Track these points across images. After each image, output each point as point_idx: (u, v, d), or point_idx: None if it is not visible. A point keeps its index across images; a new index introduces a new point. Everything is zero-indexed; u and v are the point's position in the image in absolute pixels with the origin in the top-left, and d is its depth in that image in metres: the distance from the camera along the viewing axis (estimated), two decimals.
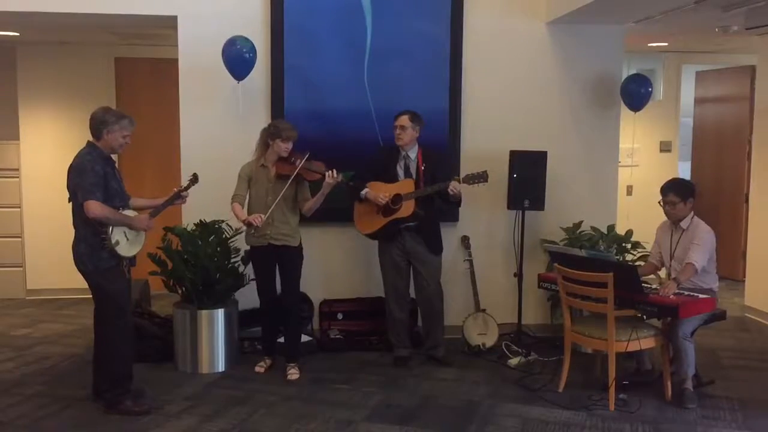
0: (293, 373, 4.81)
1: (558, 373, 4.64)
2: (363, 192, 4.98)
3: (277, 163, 4.77)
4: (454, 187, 4.80)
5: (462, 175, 4.99)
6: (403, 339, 5.19)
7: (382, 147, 5.16)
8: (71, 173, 4.05)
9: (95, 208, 3.93)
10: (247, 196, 4.82)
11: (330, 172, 4.72)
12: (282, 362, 4.93)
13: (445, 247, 5.20)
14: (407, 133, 4.94)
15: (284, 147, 4.73)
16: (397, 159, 5.02)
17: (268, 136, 4.76)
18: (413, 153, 5.02)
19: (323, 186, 4.75)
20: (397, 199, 4.91)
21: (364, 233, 5.11)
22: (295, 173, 4.71)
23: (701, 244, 4.50)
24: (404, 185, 4.95)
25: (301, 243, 4.89)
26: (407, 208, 4.90)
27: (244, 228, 4.86)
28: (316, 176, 4.80)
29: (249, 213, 4.76)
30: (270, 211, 4.68)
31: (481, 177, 4.88)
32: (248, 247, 5.06)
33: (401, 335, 5.18)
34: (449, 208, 5.22)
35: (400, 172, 5.01)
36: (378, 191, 4.96)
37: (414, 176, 4.98)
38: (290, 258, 4.84)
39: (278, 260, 4.85)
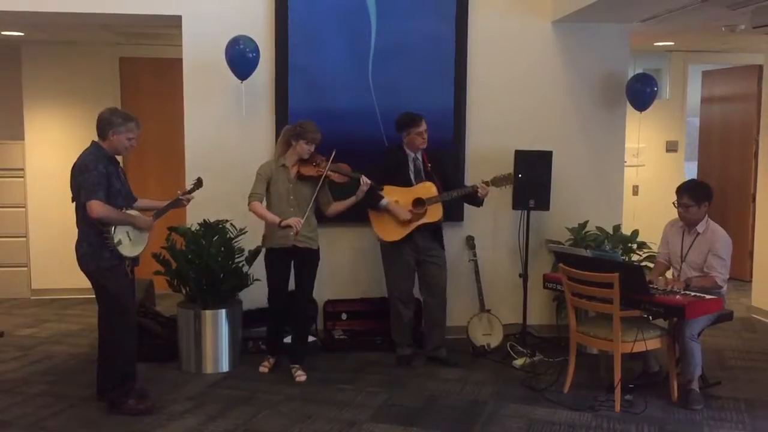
0: (300, 375, 4.79)
1: (563, 373, 4.62)
2: (384, 203, 4.91)
3: (300, 164, 4.72)
4: (482, 189, 4.84)
5: (489, 177, 4.99)
6: (408, 338, 5.18)
7: (389, 149, 5.13)
8: (74, 173, 4.05)
9: (97, 207, 3.93)
10: (265, 196, 4.77)
11: (363, 178, 4.72)
12: (286, 362, 4.92)
13: (450, 247, 5.19)
14: (427, 137, 4.97)
15: (307, 149, 4.69)
16: (407, 161, 5.01)
17: (292, 136, 4.72)
18: (419, 154, 5.02)
19: (357, 194, 4.75)
20: (418, 203, 4.90)
21: (391, 240, 5.00)
22: (324, 177, 4.68)
23: (725, 257, 4.47)
24: (425, 189, 4.94)
25: (319, 245, 4.87)
26: (435, 213, 4.91)
27: (246, 229, 4.85)
28: (344, 179, 4.76)
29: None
30: (306, 213, 4.65)
31: (507, 180, 4.91)
32: (252, 248, 5.06)
33: (407, 335, 5.17)
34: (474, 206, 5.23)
35: (411, 174, 5.00)
36: (395, 196, 4.93)
37: (423, 177, 4.98)
38: (310, 260, 4.82)
39: (297, 262, 4.82)
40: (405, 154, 5.01)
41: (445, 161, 5.15)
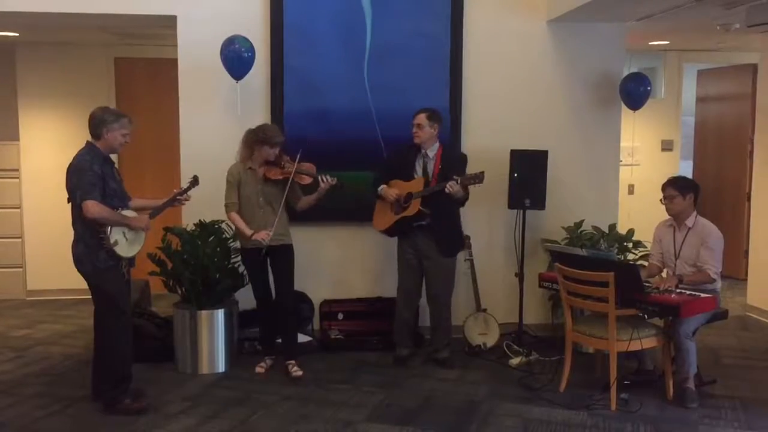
0: (297, 371, 4.80)
1: (559, 372, 4.63)
2: (379, 189, 5.01)
3: (266, 166, 4.74)
4: (450, 186, 4.75)
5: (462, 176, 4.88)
6: (405, 339, 5.18)
7: (403, 145, 5.12)
8: (70, 173, 4.04)
9: (93, 208, 3.92)
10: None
11: (323, 178, 4.73)
12: (281, 362, 4.92)
13: None
14: (424, 132, 4.92)
15: (272, 152, 4.72)
16: (416, 157, 5.01)
17: (255, 143, 4.73)
18: (432, 152, 4.99)
19: (319, 190, 4.77)
20: (409, 197, 4.91)
21: (377, 230, 5.15)
22: (290, 180, 4.69)
23: (716, 249, 4.49)
24: (416, 184, 4.95)
25: (291, 240, 4.89)
26: (413, 208, 4.89)
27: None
28: (309, 180, 4.78)
29: (240, 215, 4.75)
30: (276, 223, 4.67)
31: (476, 178, 4.76)
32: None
33: (404, 335, 5.17)
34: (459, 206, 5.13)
35: (419, 170, 5.00)
36: (395, 189, 4.98)
37: (429, 175, 4.96)
38: (284, 256, 4.84)
39: (272, 259, 4.84)
40: (417, 151, 5.01)
41: (455, 159, 5.05)
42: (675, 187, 4.58)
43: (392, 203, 4.97)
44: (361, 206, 5.22)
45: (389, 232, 5.09)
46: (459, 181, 4.76)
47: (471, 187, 4.91)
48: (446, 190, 4.75)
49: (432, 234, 4.97)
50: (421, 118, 4.92)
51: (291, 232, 4.91)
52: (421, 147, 4.97)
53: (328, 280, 5.62)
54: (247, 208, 4.77)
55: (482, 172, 4.77)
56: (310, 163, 4.82)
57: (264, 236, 4.64)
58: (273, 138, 4.70)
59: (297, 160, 4.72)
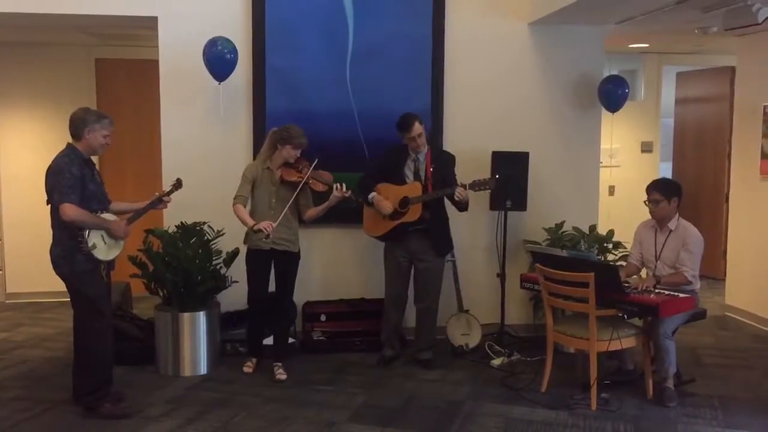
0: (281, 374, 4.80)
1: (540, 372, 4.66)
2: (370, 196, 4.94)
3: (284, 168, 4.73)
4: (460, 193, 4.76)
5: (469, 181, 4.86)
6: (392, 340, 5.20)
7: (390, 148, 5.09)
8: (48, 175, 4.00)
9: (70, 210, 3.89)
10: (249, 198, 4.77)
11: (338, 185, 4.72)
12: (265, 364, 4.91)
13: None
14: (423, 138, 4.90)
15: (293, 153, 4.71)
16: (406, 160, 4.99)
17: (278, 140, 4.72)
18: (422, 154, 4.98)
19: (330, 198, 4.75)
20: (405, 202, 4.90)
21: (371, 236, 5.10)
22: (303, 182, 4.69)
23: (696, 252, 4.52)
24: (412, 188, 4.92)
25: (299, 248, 4.88)
26: (414, 212, 4.88)
27: (224, 231, 4.84)
28: (324, 187, 4.77)
29: (251, 215, 4.73)
30: (280, 218, 4.64)
31: (487, 184, 4.81)
32: (230, 250, 5.05)
33: (390, 336, 5.19)
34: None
35: (409, 173, 4.97)
36: (386, 193, 4.94)
37: (422, 178, 4.95)
38: (289, 263, 4.84)
39: (276, 264, 4.83)
40: (406, 154, 4.99)
41: (446, 161, 5.05)
42: (660, 191, 4.59)
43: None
44: (343, 209, 5.21)
45: (385, 237, 5.05)
46: (468, 187, 4.76)
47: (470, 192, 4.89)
48: (456, 197, 4.76)
49: (427, 237, 4.97)
50: (419, 127, 4.85)
51: None
52: (411, 150, 4.95)
53: (310, 281, 5.60)
54: (258, 207, 4.74)
55: (493, 178, 4.79)
56: (327, 172, 4.80)
57: (266, 226, 4.56)
58: (296, 138, 4.68)
59: (312, 167, 4.71)
